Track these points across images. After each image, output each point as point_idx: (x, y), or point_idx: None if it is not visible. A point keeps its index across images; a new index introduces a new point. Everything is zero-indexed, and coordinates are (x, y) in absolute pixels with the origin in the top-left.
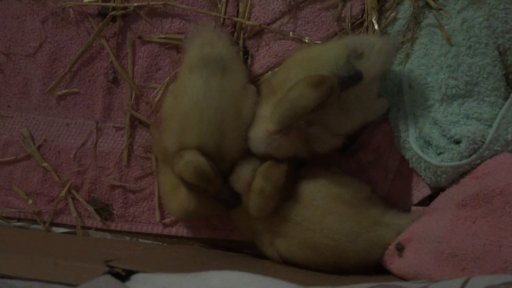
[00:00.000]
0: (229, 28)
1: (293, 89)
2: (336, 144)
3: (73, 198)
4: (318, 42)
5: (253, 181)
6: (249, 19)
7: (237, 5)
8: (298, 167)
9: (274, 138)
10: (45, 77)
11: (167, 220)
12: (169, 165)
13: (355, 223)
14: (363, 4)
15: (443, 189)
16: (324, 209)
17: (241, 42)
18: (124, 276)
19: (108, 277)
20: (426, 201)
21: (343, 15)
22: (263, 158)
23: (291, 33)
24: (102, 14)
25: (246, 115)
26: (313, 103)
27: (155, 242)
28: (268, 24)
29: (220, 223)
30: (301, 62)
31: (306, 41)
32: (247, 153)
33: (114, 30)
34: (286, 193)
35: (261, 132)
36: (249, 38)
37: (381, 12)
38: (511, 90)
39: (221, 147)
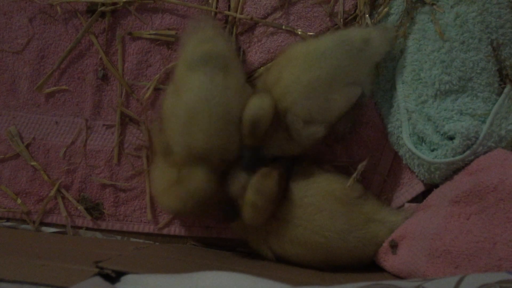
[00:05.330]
0: (221, 23)
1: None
2: (317, 133)
3: (63, 197)
4: (311, 34)
5: (246, 193)
6: (241, 14)
7: (229, 0)
8: (291, 167)
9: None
10: (33, 74)
11: (159, 220)
12: (170, 162)
13: (346, 221)
14: None
15: (436, 186)
16: (315, 206)
17: (233, 37)
18: (114, 277)
19: (98, 279)
20: (419, 198)
21: (335, 10)
22: None
23: (283, 26)
24: (91, 10)
25: None
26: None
27: (146, 241)
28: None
29: (213, 221)
30: (296, 60)
31: (299, 33)
32: None
33: (103, 27)
34: (279, 202)
35: None
36: (240, 34)
37: (373, 7)
38: (504, 85)
39: (227, 147)
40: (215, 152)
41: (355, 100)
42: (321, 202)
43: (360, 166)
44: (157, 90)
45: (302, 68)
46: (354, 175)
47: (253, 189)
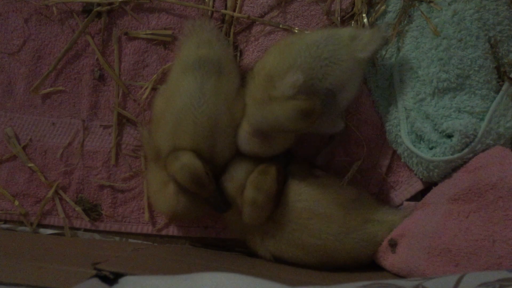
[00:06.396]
0: (218, 23)
1: (282, 109)
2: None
3: (61, 199)
4: (308, 33)
5: (245, 191)
6: (238, 13)
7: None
8: (287, 164)
9: (254, 140)
10: (29, 75)
11: (157, 221)
12: (161, 164)
13: (343, 223)
14: None
15: (435, 184)
16: (309, 211)
17: (231, 37)
18: (112, 279)
19: (95, 281)
20: (418, 196)
21: (332, 9)
22: (255, 157)
23: (281, 24)
24: (86, 10)
25: (239, 119)
26: (300, 129)
27: (145, 242)
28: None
29: (211, 221)
30: (282, 47)
31: (296, 31)
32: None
33: (100, 27)
34: (278, 200)
35: (242, 133)
36: (238, 33)
37: (371, 5)
38: (502, 82)
39: (214, 151)
40: (202, 154)
41: (336, 131)
42: (315, 206)
43: (355, 165)
44: (154, 90)
45: (283, 56)
46: (348, 174)
47: (252, 186)
